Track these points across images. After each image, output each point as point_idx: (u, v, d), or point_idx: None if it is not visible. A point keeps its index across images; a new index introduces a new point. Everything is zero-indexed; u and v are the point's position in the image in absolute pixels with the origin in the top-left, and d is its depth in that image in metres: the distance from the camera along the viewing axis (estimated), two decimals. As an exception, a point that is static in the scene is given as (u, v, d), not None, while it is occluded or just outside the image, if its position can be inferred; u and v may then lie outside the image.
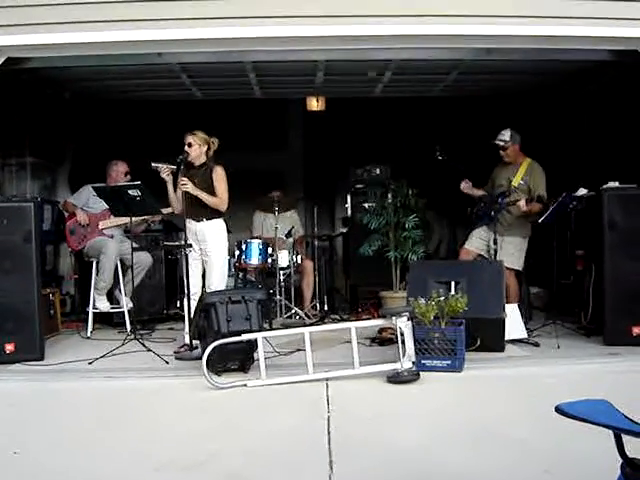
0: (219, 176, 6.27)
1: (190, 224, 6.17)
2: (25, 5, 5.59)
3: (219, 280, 6.25)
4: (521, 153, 7.06)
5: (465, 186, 7.16)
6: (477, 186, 7.21)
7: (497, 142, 6.98)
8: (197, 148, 6.24)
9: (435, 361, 5.29)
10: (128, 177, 7.49)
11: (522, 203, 6.72)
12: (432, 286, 5.83)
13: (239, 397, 4.80)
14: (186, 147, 6.21)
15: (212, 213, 6.27)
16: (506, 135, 6.99)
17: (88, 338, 7.11)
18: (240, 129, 9.58)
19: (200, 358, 5.16)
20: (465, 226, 7.63)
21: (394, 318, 5.15)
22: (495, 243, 6.69)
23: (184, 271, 6.16)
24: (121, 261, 7.35)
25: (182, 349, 6.15)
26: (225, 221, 6.42)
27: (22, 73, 6.66)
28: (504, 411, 4.33)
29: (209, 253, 6.24)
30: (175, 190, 6.27)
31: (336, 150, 9.95)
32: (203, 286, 6.34)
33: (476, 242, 7.12)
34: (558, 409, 2.23)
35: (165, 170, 6.11)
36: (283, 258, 8.28)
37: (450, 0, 5.75)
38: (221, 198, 6.26)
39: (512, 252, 6.87)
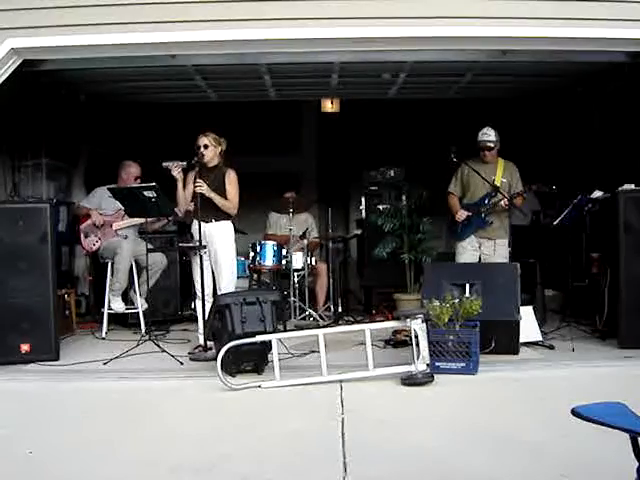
0: (232, 179, 6.31)
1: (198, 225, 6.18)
2: (40, 7, 5.62)
3: (228, 281, 6.27)
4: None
5: (463, 216, 7.03)
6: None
7: (489, 143, 6.90)
8: (212, 149, 6.27)
9: (449, 363, 5.28)
10: (138, 181, 7.48)
11: (505, 202, 6.75)
12: (446, 288, 5.82)
13: (253, 398, 4.81)
14: (202, 149, 6.23)
15: (221, 214, 6.29)
16: (493, 135, 6.90)
17: (103, 339, 7.15)
18: (254, 131, 9.62)
19: (214, 359, 5.17)
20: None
21: (408, 320, 5.14)
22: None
23: (197, 272, 6.17)
24: (136, 262, 7.37)
25: (196, 350, 6.16)
26: (233, 223, 6.44)
27: (38, 75, 6.70)
28: (519, 414, 4.31)
29: (217, 254, 6.25)
30: (184, 189, 6.30)
31: (350, 152, 9.95)
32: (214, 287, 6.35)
33: (470, 255, 6.97)
34: (574, 412, 2.22)
35: (176, 167, 6.13)
36: (297, 260, 8.29)
37: (465, 2, 5.74)
38: (232, 201, 6.29)
39: (505, 255, 6.87)
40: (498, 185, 6.84)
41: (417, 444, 3.75)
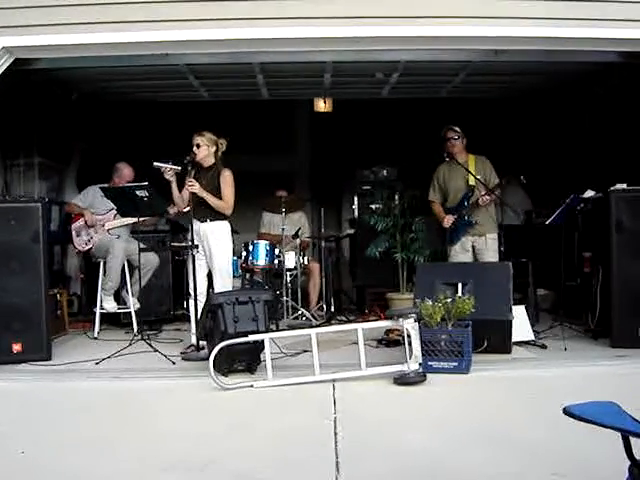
0: (226, 180, 6.29)
1: (195, 224, 6.18)
2: (32, 6, 5.60)
3: (223, 281, 6.26)
4: (465, 150, 7.08)
5: (450, 222, 7.00)
6: None
7: (454, 133, 6.97)
8: (205, 149, 6.27)
9: (442, 363, 5.28)
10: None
11: (485, 199, 6.78)
12: (439, 287, 5.82)
13: (245, 398, 4.80)
14: (194, 148, 6.23)
15: (217, 214, 6.29)
16: (457, 128, 7.00)
17: (95, 338, 7.13)
18: (247, 130, 9.59)
19: (207, 359, 5.16)
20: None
21: (401, 319, 5.14)
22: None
23: (190, 272, 6.17)
24: (128, 261, 7.35)
25: (189, 350, 6.15)
26: (230, 222, 6.43)
27: (31, 74, 6.67)
28: (511, 413, 4.31)
29: (213, 254, 6.25)
30: (180, 190, 6.30)
31: (343, 151, 9.96)
32: (209, 287, 6.35)
33: (462, 257, 6.95)
34: (566, 411, 2.22)
35: (168, 171, 6.12)
36: (290, 259, 8.28)
37: (458, 1, 5.74)
38: (227, 202, 6.28)
39: (495, 249, 6.90)
40: (473, 184, 6.87)
41: (410, 443, 3.75)
